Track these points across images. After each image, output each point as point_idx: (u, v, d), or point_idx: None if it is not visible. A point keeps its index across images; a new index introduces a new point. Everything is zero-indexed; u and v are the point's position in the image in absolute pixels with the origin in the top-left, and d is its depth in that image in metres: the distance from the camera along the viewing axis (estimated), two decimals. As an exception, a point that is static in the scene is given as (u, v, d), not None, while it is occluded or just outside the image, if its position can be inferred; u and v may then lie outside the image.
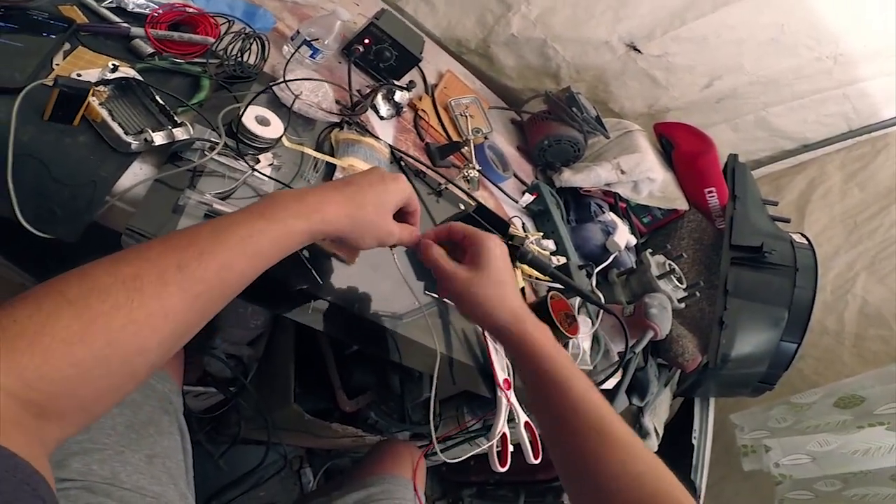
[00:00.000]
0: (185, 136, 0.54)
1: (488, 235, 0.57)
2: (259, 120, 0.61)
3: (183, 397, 0.67)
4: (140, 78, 0.55)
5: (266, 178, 0.59)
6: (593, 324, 0.91)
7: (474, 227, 0.58)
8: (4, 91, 0.47)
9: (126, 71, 0.55)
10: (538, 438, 0.64)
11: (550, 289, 0.85)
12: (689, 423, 1.23)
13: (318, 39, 0.75)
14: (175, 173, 0.52)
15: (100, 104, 0.50)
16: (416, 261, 0.70)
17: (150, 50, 0.60)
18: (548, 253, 0.91)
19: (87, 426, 0.38)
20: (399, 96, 0.88)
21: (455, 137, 0.99)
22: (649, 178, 1.19)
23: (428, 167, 0.85)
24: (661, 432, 1.13)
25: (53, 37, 0.54)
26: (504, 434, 0.64)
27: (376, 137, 0.77)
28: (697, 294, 1.05)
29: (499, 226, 0.84)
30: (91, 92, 0.49)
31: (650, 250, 1.08)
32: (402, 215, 0.55)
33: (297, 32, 0.76)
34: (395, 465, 0.83)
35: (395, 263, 0.62)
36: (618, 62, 1.32)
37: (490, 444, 0.62)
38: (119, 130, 0.50)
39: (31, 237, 0.46)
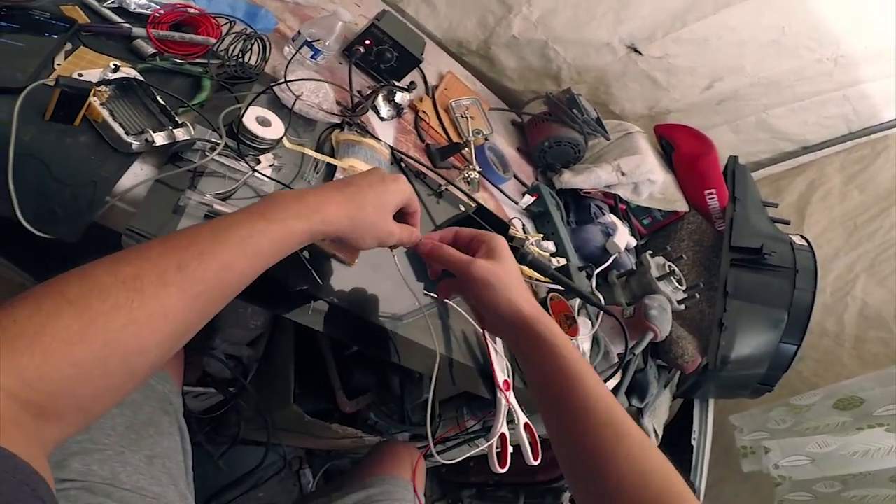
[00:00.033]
0: (185, 137, 0.54)
1: (496, 234, 0.58)
2: (260, 120, 0.61)
3: (183, 398, 0.67)
4: (141, 78, 0.56)
5: (267, 179, 0.59)
6: (593, 325, 0.91)
7: (475, 228, 0.59)
8: (6, 91, 0.47)
9: (127, 71, 0.55)
10: (538, 440, 0.64)
11: (550, 290, 0.85)
12: (689, 425, 1.22)
13: (319, 40, 0.75)
14: (176, 174, 0.52)
15: (101, 104, 0.51)
16: (416, 261, 0.70)
17: (151, 50, 0.60)
18: (548, 254, 0.91)
19: (87, 426, 0.38)
20: (400, 97, 0.88)
21: (455, 139, 0.99)
22: (649, 180, 1.19)
23: (428, 168, 0.85)
24: (660, 433, 1.13)
25: (55, 37, 0.54)
26: (503, 435, 0.64)
27: (377, 138, 0.77)
28: (697, 296, 1.05)
29: (499, 227, 0.84)
30: (92, 92, 0.49)
31: (650, 252, 1.08)
32: (402, 216, 0.55)
33: (299, 33, 0.76)
34: (394, 466, 0.83)
35: (395, 264, 0.62)
36: (619, 64, 1.32)
37: (489, 444, 0.62)
38: (120, 131, 0.50)
39: (31, 237, 0.46)
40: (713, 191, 1.27)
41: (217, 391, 0.99)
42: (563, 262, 0.92)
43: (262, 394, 1.04)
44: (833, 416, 1.16)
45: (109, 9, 0.61)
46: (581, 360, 0.52)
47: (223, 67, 0.64)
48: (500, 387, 0.67)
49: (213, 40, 0.64)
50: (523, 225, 0.99)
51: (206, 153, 0.55)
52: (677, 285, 1.01)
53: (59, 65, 0.53)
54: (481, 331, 0.67)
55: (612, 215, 1.17)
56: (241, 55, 0.66)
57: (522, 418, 0.64)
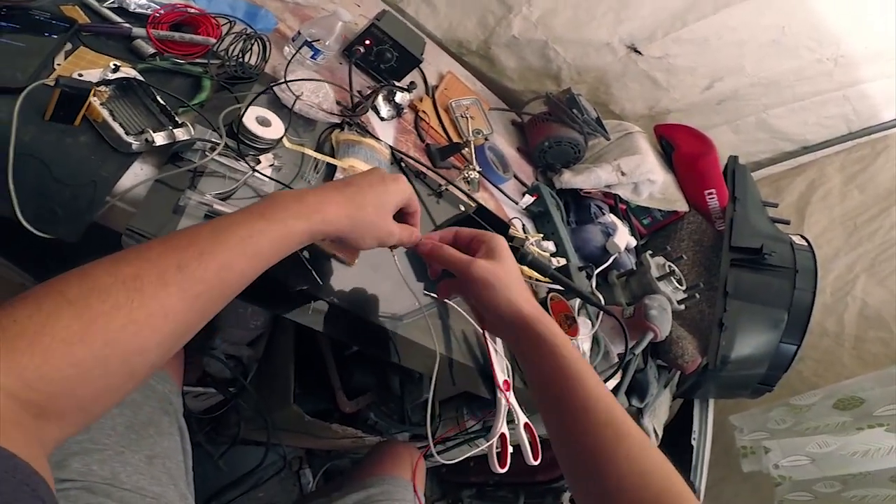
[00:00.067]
0: (185, 137, 0.54)
1: (496, 234, 0.58)
2: (260, 120, 0.61)
3: (183, 398, 0.67)
4: (141, 78, 0.56)
5: (266, 179, 0.59)
6: (593, 325, 0.91)
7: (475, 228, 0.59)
8: (6, 91, 0.47)
9: (127, 71, 0.55)
10: (538, 440, 0.64)
11: (550, 290, 0.85)
12: (689, 425, 1.22)
13: (319, 40, 0.75)
14: (176, 174, 0.52)
15: (101, 104, 0.51)
16: (415, 261, 0.70)
17: (151, 50, 0.60)
18: (548, 254, 0.91)
19: (87, 426, 0.38)
20: (400, 97, 0.88)
21: (455, 139, 0.99)
22: (649, 180, 1.19)
23: (428, 168, 0.85)
24: (660, 433, 1.13)
25: (55, 37, 0.54)
26: (503, 435, 0.64)
27: (377, 138, 0.77)
28: (697, 296, 1.05)
29: (499, 227, 0.84)
30: (92, 92, 0.49)
31: (650, 252, 1.08)
32: (402, 216, 0.55)
33: (299, 33, 0.76)
34: (394, 466, 0.83)
35: (395, 264, 0.62)
36: (619, 64, 1.32)
37: (489, 444, 0.62)
38: (120, 131, 0.50)
39: (31, 237, 0.46)
40: (713, 191, 1.27)
41: (217, 391, 0.99)
42: (563, 262, 0.92)
43: (262, 394, 1.04)
44: (833, 416, 1.16)
45: (109, 9, 0.61)
46: (581, 360, 0.52)
47: (223, 67, 0.64)
48: (500, 387, 0.67)
49: (213, 40, 0.64)
50: (523, 225, 0.99)
51: (206, 153, 0.55)
52: (677, 285, 1.01)
53: (59, 65, 0.53)
54: (481, 331, 0.67)
55: (612, 215, 1.17)
56: (241, 55, 0.66)
57: (522, 418, 0.64)
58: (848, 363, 1.27)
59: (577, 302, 0.90)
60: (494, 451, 0.61)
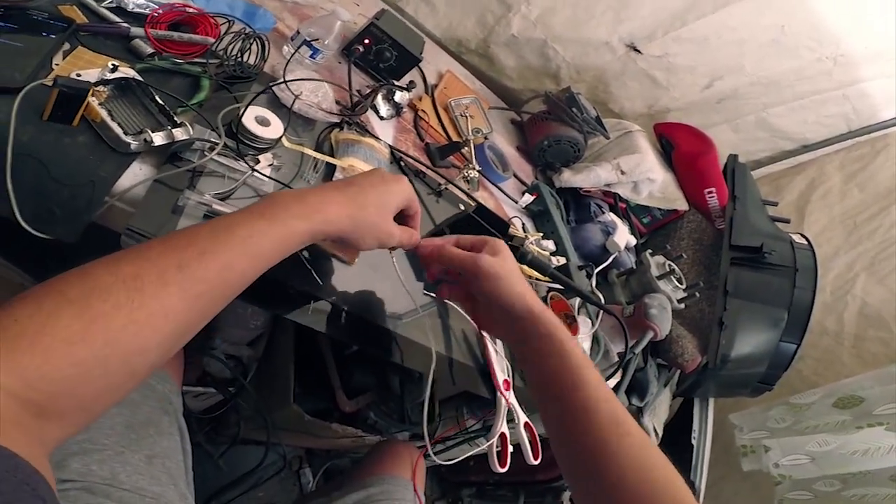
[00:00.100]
0: (184, 137, 0.54)
1: (497, 238, 0.59)
2: (259, 120, 0.61)
3: (182, 397, 0.67)
4: (140, 78, 0.55)
5: (266, 179, 0.59)
6: (593, 324, 0.91)
7: (473, 228, 0.59)
8: (4, 91, 0.47)
9: (126, 71, 0.55)
10: (538, 439, 0.64)
11: (550, 289, 0.85)
12: (689, 424, 1.22)
13: (318, 40, 0.75)
14: (174, 173, 0.52)
15: (99, 104, 0.50)
16: (415, 262, 0.70)
17: (149, 50, 0.60)
18: (547, 253, 0.91)
19: (87, 426, 0.38)
20: (399, 96, 0.88)
21: (455, 138, 0.99)
22: (649, 179, 1.19)
23: (428, 167, 0.85)
24: (660, 432, 1.13)
25: (53, 37, 0.54)
26: (503, 434, 0.64)
27: (376, 138, 0.77)
28: (697, 294, 1.05)
29: (499, 226, 0.84)
30: (90, 92, 0.49)
31: (650, 251, 1.08)
32: (402, 218, 0.55)
33: (297, 32, 0.76)
34: (394, 466, 0.83)
35: (394, 266, 0.61)
36: (618, 63, 1.32)
37: (489, 444, 0.63)
38: (118, 130, 0.50)
39: (30, 237, 0.46)
40: (713, 189, 1.27)
41: (217, 391, 0.99)
42: (562, 260, 0.92)
43: (262, 393, 1.04)
44: (833, 415, 1.16)
45: (107, 8, 0.61)
46: (585, 357, 0.52)
47: (222, 67, 0.64)
48: (500, 386, 0.67)
49: (212, 40, 0.64)
50: (523, 224, 0.99)
51: (205, 153, 0.55)
52: (677, 284, 1.01)
53: (57, 65, 0.53)
54: (481, 331, 0.67)
55: (611, 214, 1.17)
56: (239, 55, 0.66)
57: (522, 418, 0.65)
58: (848, 362, 1.27)
59: (576, 301, 0.90)
60: (494, 450, 0.61)
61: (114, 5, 0.62)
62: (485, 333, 0.70)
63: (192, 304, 0.35)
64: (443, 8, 1.22)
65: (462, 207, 0.85)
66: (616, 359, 0.92)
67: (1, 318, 0.28)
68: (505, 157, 1.06)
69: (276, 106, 0.67)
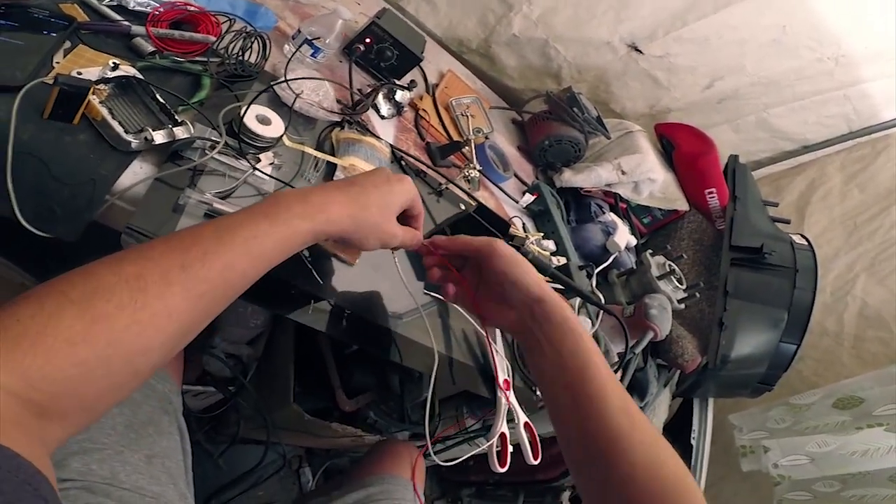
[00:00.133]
0: (185, 135, 0.54)
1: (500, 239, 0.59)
2: (260, 119, 0.61)
3: (182, 397, 0.67)
4: (141, 76, 0.55)
5: (267, 178, 0.59)
6: (593, 324, 0.91)
7: (474, 228, 0.59)
8: (4, 89, 0.47)
9: (127, 69, 0.55)
10: (538, 439, 0.64)
11: (551, 289, 0.85)
12: (689, 424, 1.23)
13: (319, 38, 0.75)
14: (175, 172, 0.52)
15: (100, 102, 0.50)
16: (415, 261, 0.70)
17: (150, 48, 0.60)
18: (548, 253, 0.91)
19: (89, 425, 0.38)
20: (400, 96, 0.88)
21: (456, 137, 0.99)
22: (650, 179, 1.19)
23: (428, 167, 0.85)
24: (660, 433, 1.13)
25: (54, 35, 0.53)
26: (503, 434, 0.64)
27: (377, 137, 0.76)
28: (697, 295, 1.05)
29: (499, 226, 0.84)
30: (91, 90, 0.49)
31: (650, 251, 1.08)
32: (405, 219, 0.55)
33: (299, 31, 0.76)
34: (394, 465, 0.83)
35: (395, 265, 0.61)
36: (619, 63, 1.32)
37: (489, 444, 0.62)
38: (119, 129, 0.50)
39: (30, 236, 0.46)
40: (713, 190, 1.27)
41: (217, 390, 0.99)
42: (563, 260, 0.92)
43: (262, 393, 1.04)
44: (832, 416, 1.16)
45: (109, 7, 0.61)
46: (595, 346, 0.53)
47: (223, 66, 0.64)
48: (501, 386, 0.67)
49: (213, 38, 0.64)
50: (523, 224, 0.99)
51: (206, 151, 0.54)
52: (677, 284, 1.01)
53: (57, 63, 0.53)
54: (482, 331, 0.67)
55: (612, 214, 1.17)
56: (240, 53, 0.65)
57: (522, 417, 0.65)
58: (847, 363, 1.27)
59: (577, 301, 0.90)
60: (494, 450, 0.61)
61: (115, 3, 0.61)
62: (487, 332, 0.70)
63: (195, 304, 0.35)
64: (444, 7, 1.22)
65: (463, 207, 0.85)
66: (616, 359, 0.91)
67: (3, 318, 0.28)
68: (506, 156, 1.06)
69: (277, 105, 0.67)
